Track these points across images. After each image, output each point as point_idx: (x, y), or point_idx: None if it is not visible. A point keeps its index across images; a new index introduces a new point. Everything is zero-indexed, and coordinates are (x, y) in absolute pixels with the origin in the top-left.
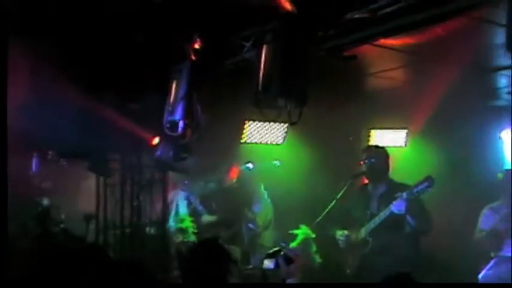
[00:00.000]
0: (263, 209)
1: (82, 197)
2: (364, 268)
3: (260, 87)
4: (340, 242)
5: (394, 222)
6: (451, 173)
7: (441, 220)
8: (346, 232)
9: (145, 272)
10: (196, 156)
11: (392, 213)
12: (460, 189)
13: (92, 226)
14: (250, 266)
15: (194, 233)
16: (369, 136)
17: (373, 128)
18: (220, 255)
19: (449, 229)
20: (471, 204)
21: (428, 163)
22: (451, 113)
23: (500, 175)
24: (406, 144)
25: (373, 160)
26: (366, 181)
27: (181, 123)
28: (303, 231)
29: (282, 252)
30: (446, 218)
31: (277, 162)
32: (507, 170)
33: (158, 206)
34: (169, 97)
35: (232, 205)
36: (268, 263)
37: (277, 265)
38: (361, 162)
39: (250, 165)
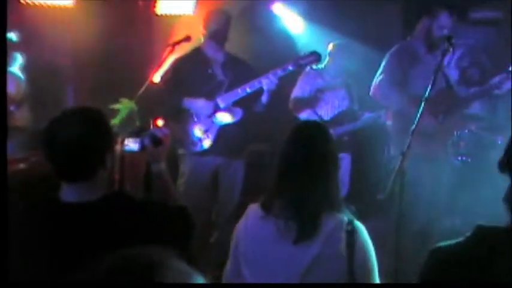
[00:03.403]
0: (14, 84)
1: None
2: (222, 139)
3: None
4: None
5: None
6: None
7: None
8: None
9: None
10: None
11: (259, 90)
12: None
13: None
14: None
15: None
16: (156, 2)
17: None
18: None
19: None
20: None
21: None
22: None
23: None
24: (193, 13)
25: (221, 24)
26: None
27: None
28: (125, 106)
29: (148, 131)
30: None
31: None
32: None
33: None
34: None
35: None
36: (131, 144)
37: (142, 146)
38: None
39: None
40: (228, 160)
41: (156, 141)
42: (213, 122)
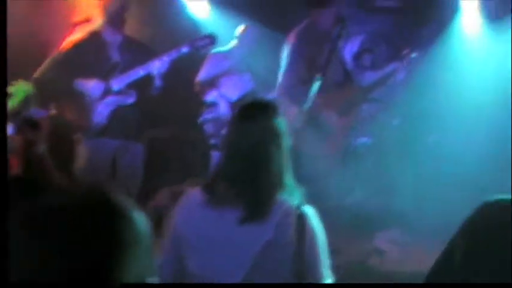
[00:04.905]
0: None
1: None
2: (116, 122)
3: None
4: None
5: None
6: None
7: None
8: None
9: None
10: None
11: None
12: None
13: None
14: None
15: None
16: None
17: None
18: None
19: None
20: None
21: None
22: None
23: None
24: None
25: (118, 6)
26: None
27: None
28: (22, 88)
29: (23, 114)
30: None
31: None
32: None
33: None
34: None
35: None
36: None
37: (18, 130)
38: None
39: None
40: (125, 144)
41: (33, 124)
42: (105, 104)
